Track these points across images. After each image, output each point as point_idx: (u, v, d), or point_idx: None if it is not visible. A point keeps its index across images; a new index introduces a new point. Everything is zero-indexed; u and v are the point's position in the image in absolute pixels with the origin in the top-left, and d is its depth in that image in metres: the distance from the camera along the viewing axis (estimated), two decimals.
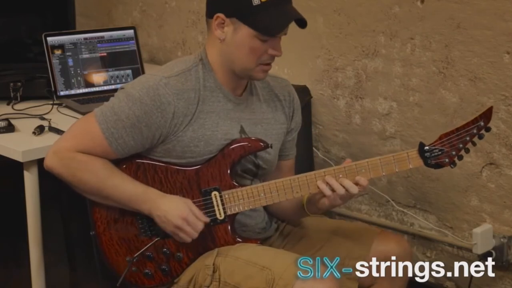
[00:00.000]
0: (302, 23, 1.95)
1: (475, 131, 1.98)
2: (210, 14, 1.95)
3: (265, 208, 2.12)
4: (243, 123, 2.03)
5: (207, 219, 1.95)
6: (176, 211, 1.91)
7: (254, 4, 1.88)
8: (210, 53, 1.99)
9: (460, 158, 2.00)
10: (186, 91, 1.94)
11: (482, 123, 1.98)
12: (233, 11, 1.90)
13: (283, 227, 2.19)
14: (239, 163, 2.01)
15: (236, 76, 1.99)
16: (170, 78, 1.93)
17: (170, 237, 1.97)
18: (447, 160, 1.99)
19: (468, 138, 1.98)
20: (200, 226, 1.92)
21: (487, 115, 1.98)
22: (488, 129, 1.99)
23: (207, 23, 1.98)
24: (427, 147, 1.98)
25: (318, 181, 1.95)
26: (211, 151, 1.98)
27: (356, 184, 1.93)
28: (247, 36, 1.91)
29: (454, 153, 1.98)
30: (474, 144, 2.00)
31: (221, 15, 1.92)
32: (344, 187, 1.93)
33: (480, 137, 1.99)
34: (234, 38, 1.92)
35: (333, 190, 1.93)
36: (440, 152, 1.98)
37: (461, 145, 1.98)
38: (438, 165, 1.99)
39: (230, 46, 1.94)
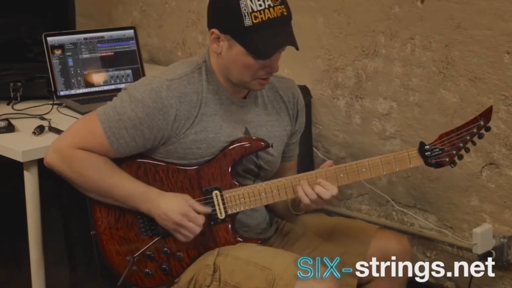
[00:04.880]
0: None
1: (475, 130, 1.98)
2: (208, 27, 1.96)
3: (265, 207, 2.12)
4: (248, 125, 2.03)
5: (208, 210, 1.95)
6: (175, 208, 1.92)
7: (245, 25, 1.86)
8: (212, 57, 1.99)
9: (460, 157, 2.01)
10: (189, 94, 1.95)
11: (482, 123, 1.98)
12: (227, 29, 1.90)
13: (283, 226, 2.19)
14: (240, 163, 2.01)
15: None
16: (173, 81, 1.94)
17: (171, 237, 1.97)
18: (447, 159, 2.00)
19: (468, 138, 1.99)
20: (201, 219, 1.93)
21: (487, 114, 1.99)
22: (488, 129, 1.99)
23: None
24: (427, 146, 1.99)
25: (297, 186, 1.96)
26: (213, 152, 1.98)
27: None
28: (240, 54, 1.90)
29: (454, 152, 1.99)
30: (474, 143, 2.01)
31: (215, 30, 1.92)
32: (316, 193, 1.94)
33: (480, 136, 2.00)
34: (229, 53, 1.92)
35: (307, 195, 1.95)
36: (440, 152, 1.99)
37: (461, 145, 1.99)
38: (439, 164, 2.00)
39: (226, 60, 1.94)
